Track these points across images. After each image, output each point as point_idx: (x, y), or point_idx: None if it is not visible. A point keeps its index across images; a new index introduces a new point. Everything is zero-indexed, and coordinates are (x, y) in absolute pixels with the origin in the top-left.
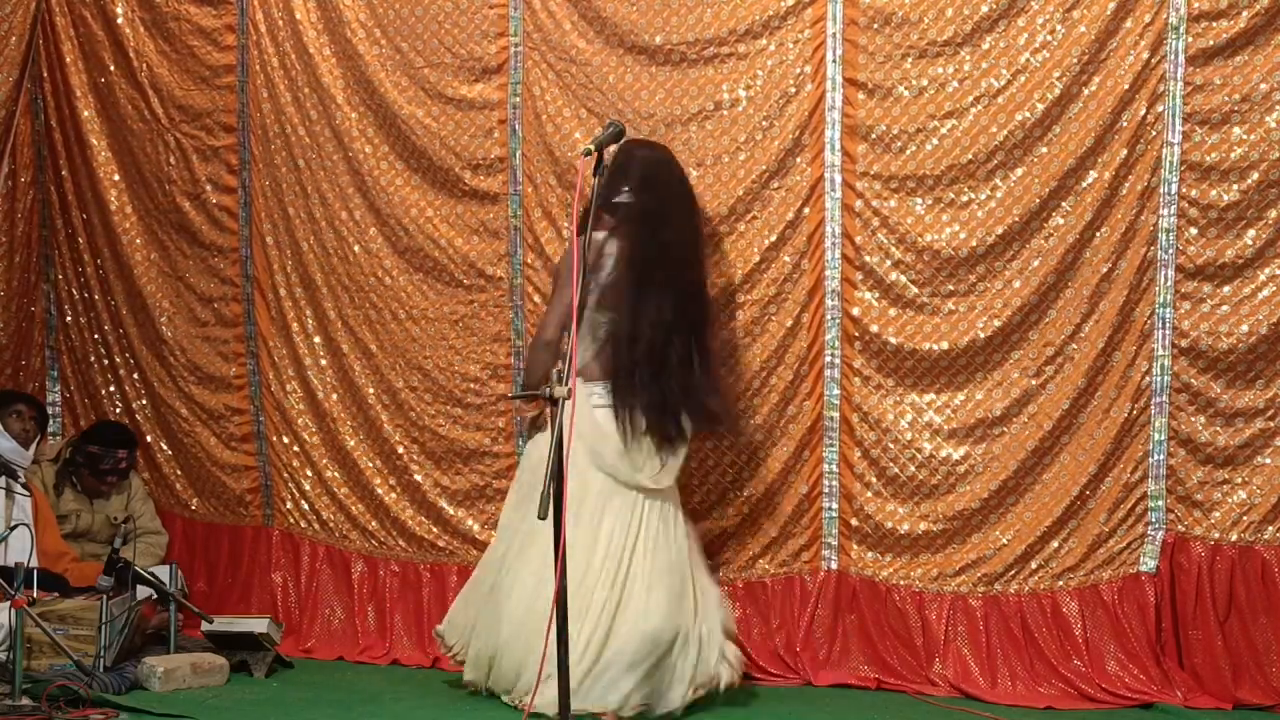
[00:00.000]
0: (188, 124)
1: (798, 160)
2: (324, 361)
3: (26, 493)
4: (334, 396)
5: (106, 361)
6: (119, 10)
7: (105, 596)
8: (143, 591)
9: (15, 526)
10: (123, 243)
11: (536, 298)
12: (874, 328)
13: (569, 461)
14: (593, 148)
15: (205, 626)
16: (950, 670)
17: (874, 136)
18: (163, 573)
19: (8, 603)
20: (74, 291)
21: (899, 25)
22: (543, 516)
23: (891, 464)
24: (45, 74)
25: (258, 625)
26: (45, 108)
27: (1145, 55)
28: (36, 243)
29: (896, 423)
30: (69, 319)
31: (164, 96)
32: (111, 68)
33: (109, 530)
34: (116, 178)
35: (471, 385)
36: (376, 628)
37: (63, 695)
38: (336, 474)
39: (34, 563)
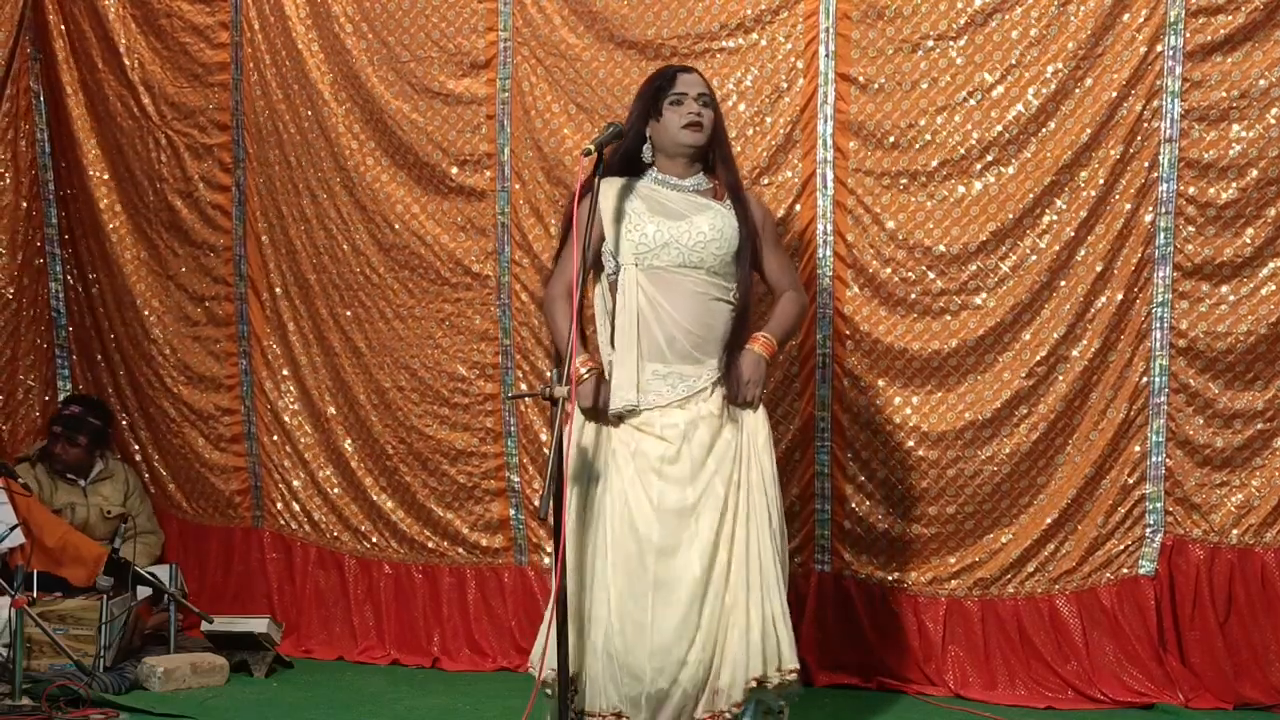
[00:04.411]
0: (179, 121)
1: (789, 156)
2: (318, 361)
3: (26, 492)
4: (328, 396)
5: (106, 362)
6: (109, 6)
7: (105, 596)
8: (143, 591)
9: (15, 526)
10: (111, 241)
11: (524, 295)
12: (864, 326)
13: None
14: (593, 148)
15: (205, 626)
16: (948, 674)
17: (866, 132)
18: (162, 573)
19: (8, 602)
20: (78, 290)
21: (892, 19)
22: (543, 516)
23: (882, 466)
24: (42, 72)
25: (258, 625)
26: (44, 106)
27: (1142, 50)
28: (40, 241)
29: (888, 424)
30: (75, 318)
31: (155, 94)
32: (100, 65)
33: (103, 524)
34: (106, 176)
35: (459, 385)
36: (374, 629)
37: (63, 695)
38: (329, 474)
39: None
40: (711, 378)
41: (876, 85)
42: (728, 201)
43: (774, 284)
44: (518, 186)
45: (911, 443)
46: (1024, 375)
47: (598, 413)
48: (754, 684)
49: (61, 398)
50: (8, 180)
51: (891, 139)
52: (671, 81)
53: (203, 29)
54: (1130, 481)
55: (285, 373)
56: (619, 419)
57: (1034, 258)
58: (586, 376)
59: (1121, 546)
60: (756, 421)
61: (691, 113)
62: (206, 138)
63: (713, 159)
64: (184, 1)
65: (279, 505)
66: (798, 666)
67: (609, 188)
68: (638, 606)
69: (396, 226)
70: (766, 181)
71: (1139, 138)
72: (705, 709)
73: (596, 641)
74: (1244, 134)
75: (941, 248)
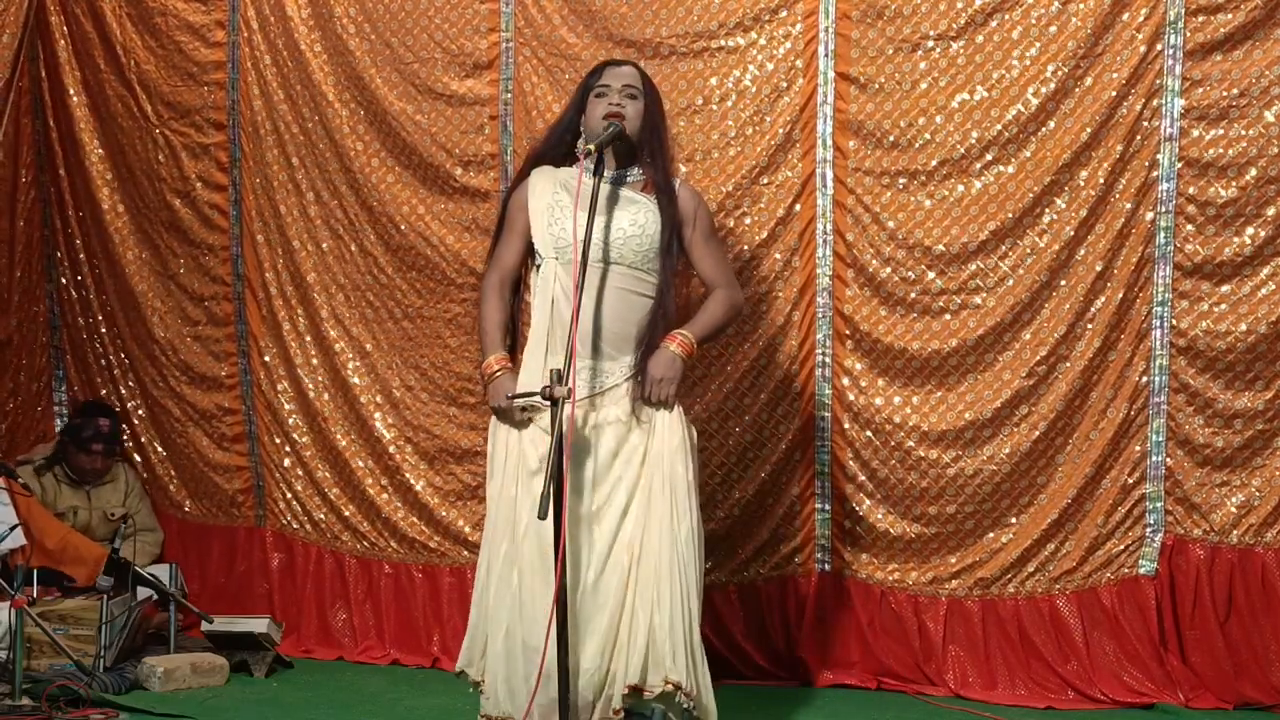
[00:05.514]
0: (176, 121)
1: (789, 156)
2: (315, 361)
3: (26, 492)
4: (325, 396)
5: (104, 362)
6: (106, 6)
7: (105, 596)
8: (143, 591)
9: (15, 527)
10: (114, 242)
11: (528, 296)
12: (864, 326)
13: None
14: (592, 148)
15: (205, 626)
16: (948, 674)
17: (866, 132)
18: (162, 572)
19: (8, 602)
20: (74, 291)
21: (891, 19)
22: (543, 516)
23: (882, 466)
24: (43, 73)
25: (258, 625)
26: (43, 107)
27: (1142, 49)
28: (38, 242)
29: (888, 423)
30: (70, 319)
31: (151, 93)
32: (101, 65)
33: (106, 526)
34: (109, 176)
35: (465, 384)
36: (374, 628)
37: (63, 695)
38: (327, 475)
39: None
40: (624, 374)
41: (876, 85)
42: (655, 196)
43: (706, 280)
44: None
45: (911, 443)
46: (1024, 375)
47: (504, 412)
48: (628, 690)
49: (57, 399)
50: (6, 180)
51: (891, 138)
52: (599, 75)
53: (198, 27)
54: (1130, 481)
55: (281, 372)
56: (528, 417)
57: (1034, 257)
58: (499, 373)
59: (1122, 546)
60: (670, 423)
61: (612, 104)
62: (203, 137)
63: (645, 152)
64: (179, 0)
65: (280, 505)
66: (680, 680)
67: (541, 179)
68: (538, 611)
69: (403, 227)
70: (766, 181)
71: (1139, 137)
72: (600, 716)
73: (498, 645)
74: (1244, 133)
75: (941, 247)
